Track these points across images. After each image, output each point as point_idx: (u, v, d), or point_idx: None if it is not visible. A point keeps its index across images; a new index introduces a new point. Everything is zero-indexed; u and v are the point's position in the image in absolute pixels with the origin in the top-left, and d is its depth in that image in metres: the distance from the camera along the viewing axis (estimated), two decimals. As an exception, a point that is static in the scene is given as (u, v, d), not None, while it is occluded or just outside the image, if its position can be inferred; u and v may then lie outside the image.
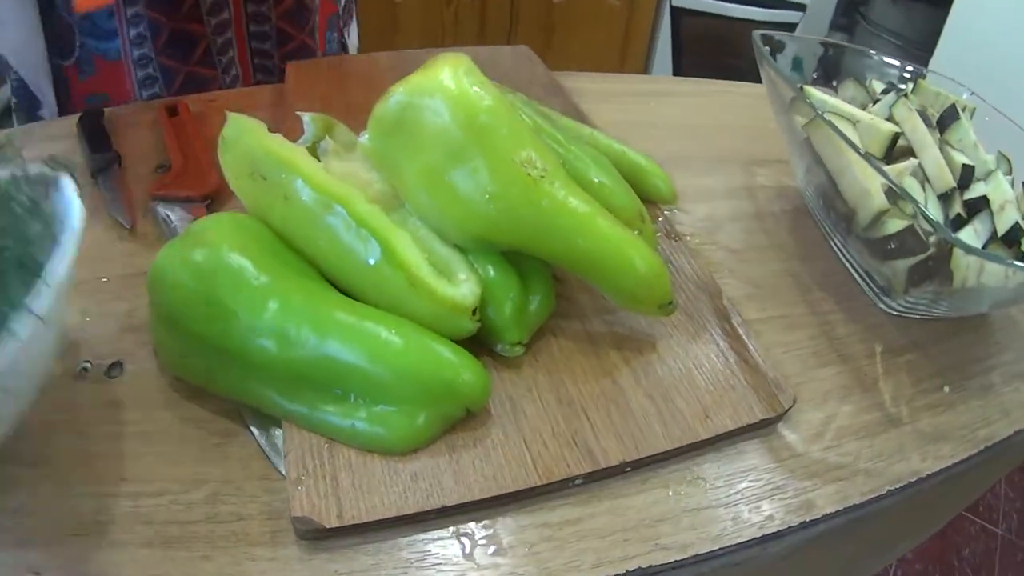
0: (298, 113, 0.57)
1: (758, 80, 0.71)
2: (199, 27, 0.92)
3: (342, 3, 1.07)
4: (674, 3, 2.67)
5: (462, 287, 0.48)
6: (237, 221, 0.52)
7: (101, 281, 0.60)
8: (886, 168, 0.60)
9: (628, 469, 0.46)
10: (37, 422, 0.50)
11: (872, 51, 0.77)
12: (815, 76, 0.76)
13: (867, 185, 0.56)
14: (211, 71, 0.95)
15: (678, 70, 2.80)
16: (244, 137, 0.53)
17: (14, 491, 0.46)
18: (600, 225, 0.49)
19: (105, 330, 0.56)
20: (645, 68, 2.84)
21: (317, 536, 0.43)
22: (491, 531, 0.44)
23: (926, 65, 2.03)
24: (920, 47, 2.21)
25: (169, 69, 0.93)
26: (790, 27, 2.63)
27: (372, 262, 0.48)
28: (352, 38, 1.14)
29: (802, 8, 2.60)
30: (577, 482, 0.45)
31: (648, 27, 2.73)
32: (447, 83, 0.48)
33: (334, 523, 0.42)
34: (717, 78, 0.97)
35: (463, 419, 0.48)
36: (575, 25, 2.70)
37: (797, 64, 0.75)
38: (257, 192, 0.53)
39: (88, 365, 0.54)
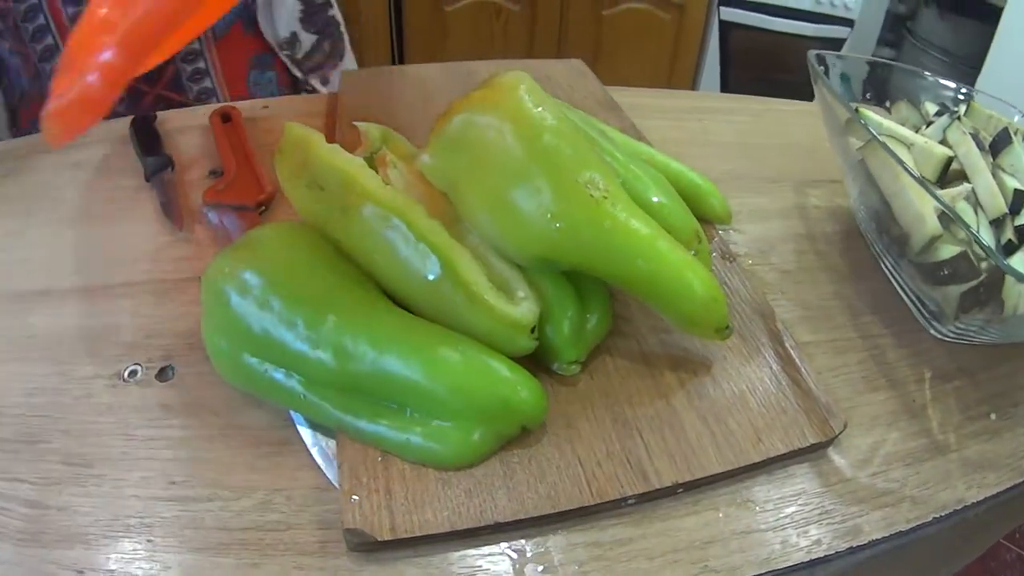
0: (355, 123, 0.58)
1: (806, 95, 0.71)
2: None
3: (304, 47, 1.06)
4: (723, 17, 2.66)
5: (521, 305, 0.48)
6: (294, 230, 0.53)
7: (153, 284, 0.61)
8: (940, 192, 0.60)
9: (680, 491, 0.46)
10: (85, 422, 0.51)
11: (926, 72, 0.77)
12: (867, 96, 0.76)
13: (921, 209, 0.56)
14: None
15: (726, 83, 2.78)
16: (302, 147, 0.53)
17: (60, 490, 0.47)
18: (660, 247, 0.48)
19: (156, 333, 0.57)
20: (693, 81, 2.83)
21: (369, 548, 0.43)
22: (542, 549, 0.44)
23: (974, 82, 2.02)
24: (968, 63, 2.17)
25: None
26: (838, 43, 2.61)
27: (431, 278, 0.48)
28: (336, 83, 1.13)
29: (850, 24, 2.58)
30: (630, 502, 0.45)
31: (697, 40, 2.72)
32: (510, 102, 0.48)
33: (386, 536, 0.42)
34: (765, 92, 0.97)
35: (519, 436, 0.48)
36: (624, 37, 2.69)
37: (846, 81, 0.75)
38: (315, 203, 0.53)
39: (138, 368, 0.55)
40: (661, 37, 2.70)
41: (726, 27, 2.68)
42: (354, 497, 0.44)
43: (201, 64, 0.96)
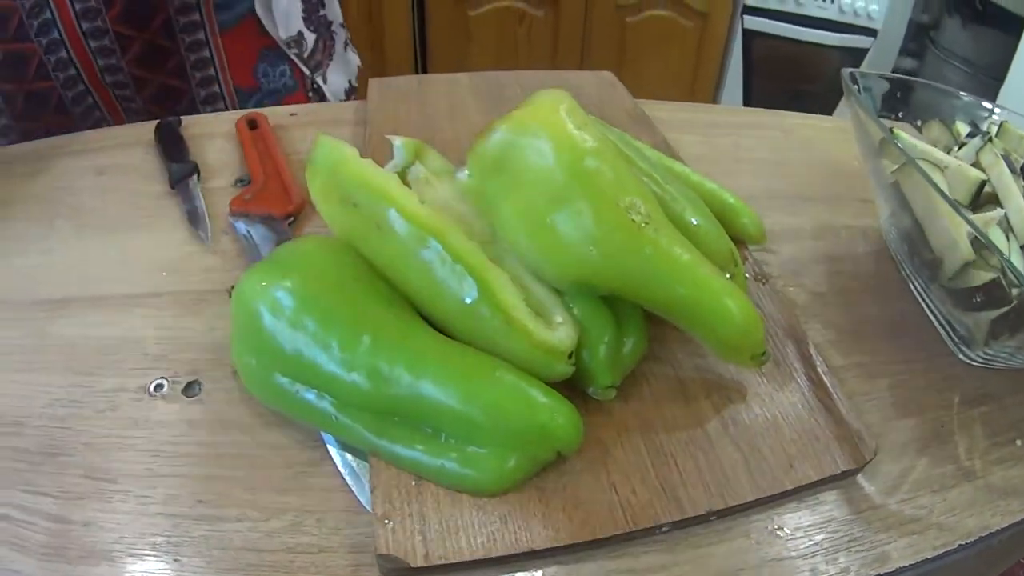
0: (388, 137, 0.57)
1: (829, 104, 0.70)
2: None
3: (308, 46, 1.07)
4: (746, 26, 2.66)
5: (559, 331, 0.48)
6: (327, 246, 0.52)
7: (179, 295, 0.60)
8: (973, 217, 0.59)
9: (714, 518, 0.46)
10: (109, 436, 0.51)
11: (961, 92, 0.76)
12: (898, 115, 0.76)
13: (955, 234, 0.55)
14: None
15: (748, 92, 2.78)
16: (335, 162, 0.52)
17: (84, 505, 0.47)
18: (701, 274, 0.48)
19: (182, 346, 0.57)
20: (716, 89, 2.84)
21: (402, 574, 0.42)
22: (565, 569, 0.44)
23: (997, 92, 2.01)
24: (990, 74, 2.18)
25: None
26: (861, 52, 2.61)
27: (468, 301, 0.48)
28: (334, 84, 1.14)
29: (873, 34, 2.58)
30: (664, 529, 0.45)
31: (720, 49, 2.72)
32: (552, 123, 0.47)
33: (420, 563, 0.42)
34: (788, 101, 0.97)
35: (554, 462, 0.47)
36: (647, 45, 2.70)
37: (875, 97, 0.75)
38: (348, 219, 0.52)
39: (164, 382, 0.55)
40: (684, 45, 2.71)
41: (749, 36, 2.69)
42: (387, 522, 0.44)
43: (206, 53, 0.97)
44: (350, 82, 1.18)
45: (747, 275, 0.62)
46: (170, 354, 0.56)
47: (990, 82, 2.14)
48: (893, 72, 2.51)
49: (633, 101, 0.87)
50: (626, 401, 0.52)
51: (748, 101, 2.82)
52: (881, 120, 0.69)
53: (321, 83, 1.10)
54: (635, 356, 0.52)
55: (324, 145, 0.53)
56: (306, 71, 1.07)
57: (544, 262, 0.48)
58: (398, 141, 0.57)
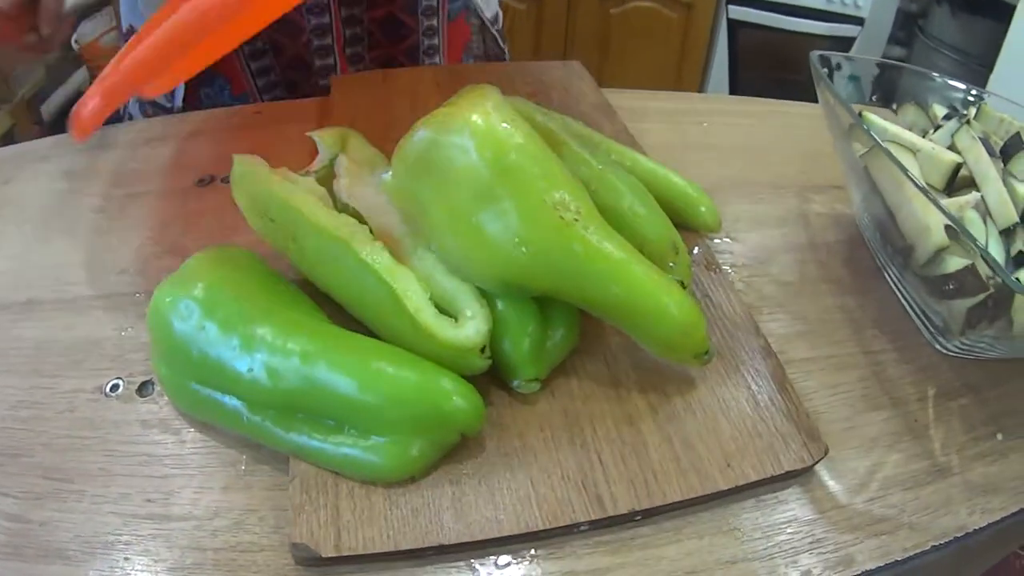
0: (308, 134, 0.58)
1: (815, 94, 0.68)
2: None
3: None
4: (731, 16, 2.67)
5: (467, 327, 0.48)
6: (227, 256, 0.53)
7: (136, 296, 0.60)
8: (947, 200, 0.58)
9: (639, 518, 0.45)
10: (67, 437, 0.51)
11: (935, 73, 0.75)
12: (874, 98, 0.74)
13: (926, 220, 0.54)
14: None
15: (735, 83, 2.80)
16: (250, 179, 0.54)
17: (41, 505, 0.47)
18: (635, 271, 0.47)
19: (139, 347, 0.56)
20: (702, 80, 2.86)
21: (315, 564, 0.43)
22: (503, 571, 0.43)
23: (986, 80, 2.01)
24: (979, 62, 2.19)
25: None
26: (848, 41, 2.62)
27: (382, 302, 0.49)
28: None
29: (860, 22, 2.60)
30: (582, 528, 0.44)
31: (705, 39, 2.75)
32: (475, 119, 0.47)
33: (331, 552, 0.42)
34: (774, 91, 0.95)
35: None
36: (632, 36, 2.72)
37: (854, 82, 0.74)
38: (269, 232, 0.54)
39: (120, 382, 0.55)
40: (669, 36, 2.72)
41: (734, 26, 2.70)
42: (302, 512, 0.44)
43: (435, 41, 0.99)
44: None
45: (697, 264, 0.61)
46: (126, 355, 0.56)
47: (979, 70, 2.15)
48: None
49: (598, 91, 0.85)
50: (553, 395, 0.51)
51: (734, 92, 2.84)
52: (856, 104, 0.67)
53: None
54: (563, 349, 0.52)
55: (240, 163, 0.55)
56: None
57: (471, 263, 0.49)
58: (317, 136, 0.58)
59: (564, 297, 0.49)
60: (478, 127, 0.46)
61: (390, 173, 0.50)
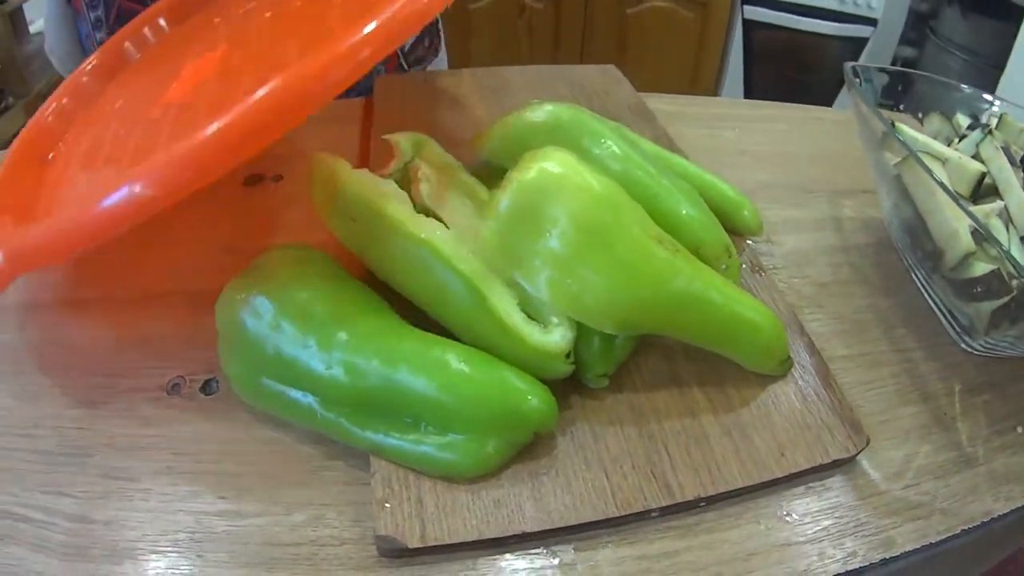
0: (385, 137, 0.59)
1: (829, 92, 0.71)
2: None
3: (408, 43, 1.09)
4: (747, 16, 2.67)
5: (554, 333, 0.49)
6: (302, 254, 0.54)
7: (195, 295, 0.61)
8: (973, 208, 0.60)
9: (703, 504, 0.47)
10: (128, 436, 0.52)
11: (962, 85, 0.77)
12: (900, 107, 0.76)
13: (956, 226, 0.56)
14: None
15: (749, 81, 2.79)
16: (331, 179, 0.54)
17: (105, 504, 0.48)
18: (729, 294, 0.50)
19: (199, 345, 0.56)
20: (717, 79, 2.84)
21: (399, 555, 0.44)
22: (592, 561, 0.45)
23: (997, 80, 2.02)
24: (991, 62, 2.18)
25: None
26: (861, 42, 2.62)
27: (465, 306, 0.50)
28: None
29: (873, 23, 2.59)
30: (653, 515, 0.46)
31: (721, 39, 2.74)
32: (566, 178, 0.47)
33: (416, 543, 0.43)
34: (789, 90, 0.97)
35: (545, 448, 0.49)
36: (648, 35, 2.71)
37: (883, 90, 0.76)
38: (350, 232, 0.55)
39: (181, 381, 0.55)
40: (685, 35, 2.72)
41: (749, 26, 2.70)
42: (386, 505, 0.45)
43: None
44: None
45: (744, 266, 0.63)
46: (186, 353, 0.57)
47: (990, 70, 2.14)
48: (893, 61, 2.51)
49: (636, 95, 0.88)
50: (619, 390, 0.53)
51: (749, 91, 2.84)
52: (883, 112, 0.70)
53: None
54: (627, 347, 0.54)
55: (320, 162, 0.55)
56: (405, 66, 1.09)
57: (581, 308, 0.49)
58: (395, 139, 0.58)
59: (666, 330, 0.51)
60: (572, 184, 0.47)
61: (488, 231, 0.50)
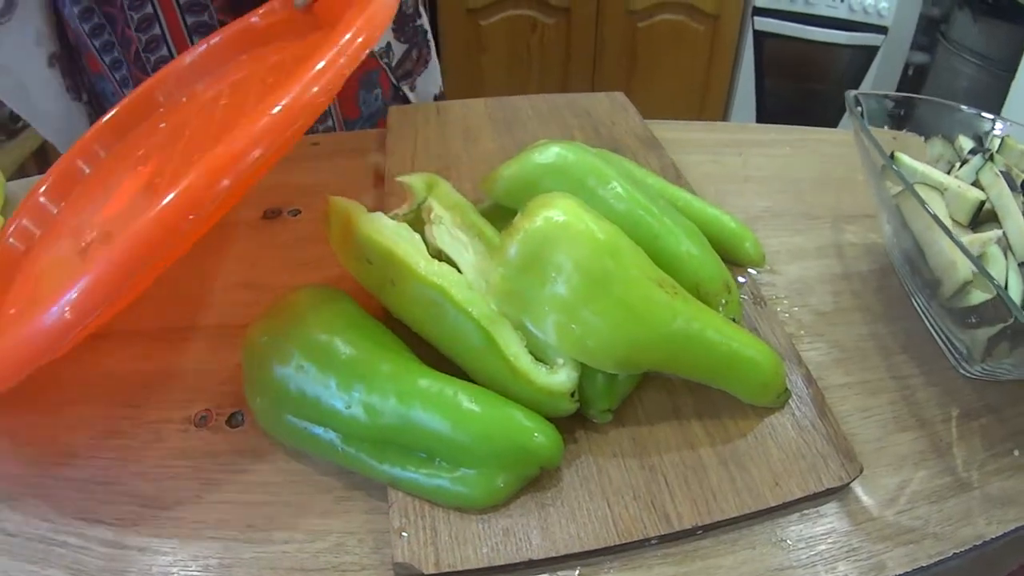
0: (398, 179, 0.61)
1: (840, 102, 0.71)
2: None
3: (396, 55, 1.09)
4: (757, 27, 2.67)
5: (560, 373, 0.51)
6: (323, 294, 0.56)
7: (221, 329, 0.63)
8: (972, 236, 0.62)
9: (700, 532, 0.49)
10: (158, 466, 0.54)
11: (962, 106, 0.78)
12: (905, 129, 0.77)
13: (953, 257, 0.58)
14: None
15: (761, 92, 2.79)
16: (346, 222, 0.56)
17: (138, 530, 0.50)
18: (727, 332, 0.52)
19: (225, 379, 0.59)
20: (728, 91, 2.84)
21: None
22: None
23: (1008, 84, 2.01)
24: (1002, 67, 2.18)
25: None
26: (872, 50, 2.61)
27: (476, 347, 0.52)
28: (423, 92, 1.15)
29: (883, 31, 2.58)
30: (653, 542, 0.48)
31: (731, 51, 2.73)
32: (570, 226, 0.50)
33: (431, 570, 0.46)
34: (800, 100, 0.97)
35: (552, 480, 0.51)
36: (659, 48, 2.71)
37: (887, 114, 0.77)
38: (366, 274, 0.57)
39: (208, 414, 0.57)
40: (696, 48, 2.72)
41: (760, 37, 2.69)
42: (403, 534, 0.48)
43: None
44: (440, 88, 1.21)
45: (745, 297, 0.64)
46: (212, 387, 0.59)
47: (1001, 74, 2.14)
48: (905, 67, 2.50)
49: (643, 123, 0.89)
50: (622, 423, 0.55)
51: (760, 103, 2.83)
52: (888, 132, 0.71)
53: (408, 92, 1.13)
54: (630, 383, 0.56)
55: (336, 205, 0.58)
56: (393, 80, 1.10)
57: (585, 349, 0.51)
58: (408, 181, 0.61)
59: (666, 369, 0.53)
60: (576, 232, 0.50)
61: (498, 277, 0.52)
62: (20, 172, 1.91)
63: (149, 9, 0.92)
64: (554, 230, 0.49)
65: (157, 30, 0.94)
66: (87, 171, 0.75)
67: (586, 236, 0.49)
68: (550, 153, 0.61)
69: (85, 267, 0.42)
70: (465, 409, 0.49)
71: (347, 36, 0.49)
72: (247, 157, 0.44)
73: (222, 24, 0.92)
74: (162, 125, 0.78)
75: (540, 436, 0.49)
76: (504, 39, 2.66)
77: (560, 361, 0.52)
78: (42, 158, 1.97)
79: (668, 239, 0.59)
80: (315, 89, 0.46)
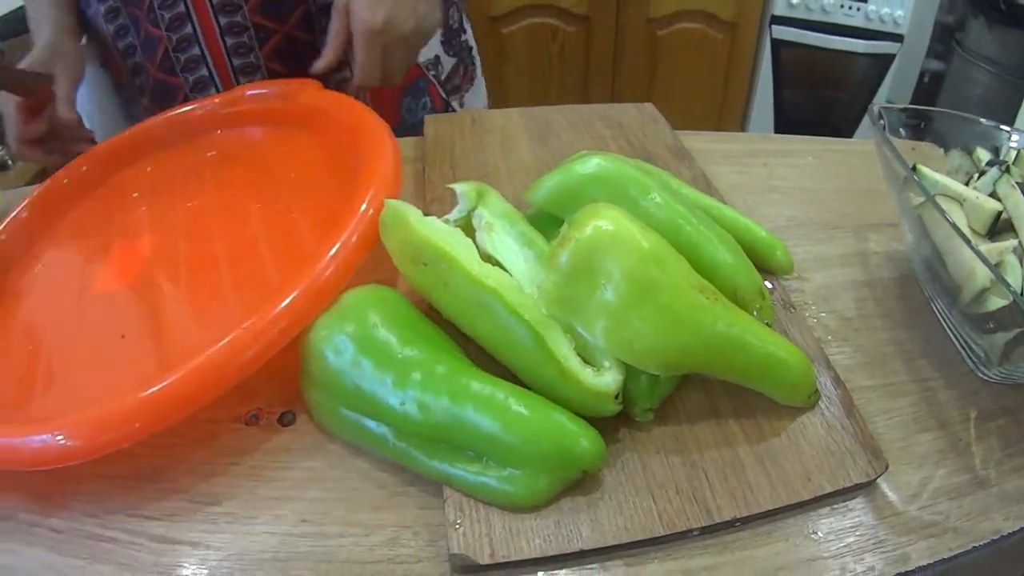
0: (450, 186, 0.62)
1: (857, 110, 0.72)
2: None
3: (446, 69, 1.10)
4: (775, 36, 2.68)
5: (606, 376, 0.53)
6: (381, 295, 0.58)
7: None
8: (989, 245, 0.63)
9: (739, 524, 0.51)
10: (210, 463, 0.56)
11: (981, 119, 0.79)
12: (925, 140, 0.78)
13: (972, 265, 0.59)
14: (175, 78, 1.00)
15: (779, 99, 2.81)
16: (402, 225, 0.58)
17: (190, 526, 0.52)
18: (763, 336, 0.54)
19: (277, 380, 0.59)
20: (747, 98, 2.86)
21: (472, 571, 0.48)
22: (632, 570, 0.49)
23: (1022, 93, 2.01)
24: (1017, 74, 2.21)
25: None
26: (888, 58, 2.63)
27: (527, 348, 0.54)
28: (471, 106, 1.16)
29: (899, 39, 2.60)
30: (695, 534, 0.50)
31: (749, 59, 2.76)
32: (618, 236, 0.52)
33: (487, 560, 0.48)
34: (817, 108, 0.97)
35: (600, 475, 0.53)
36: (678, 56, 2.73)
37: (908, 126, 0.78)
38: (420, 276, 0.58)
39: (259, 412, 0.59)
40: (714, 55, 2.74)
41: (777, 45, 2.72)
42: (458, 526, 0.49)
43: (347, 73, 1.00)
44: (486, 106, 1.22)
45: (776, 304, 0.66)
46: (265, 386, 0.60)
47: (1016, 82, 2.17)
48: (920, 75, 2.51)
49: (673, 134, 0.91)
50: (664, 423, 0.57)
51: (778, 110, 2.85)
52: (908, 143, 0.73)
53: (458, 107, 1.14)
54: (671, 384, 0.58)
55: (391, 208, 0.59)
56: (443, 94, 1.11)
57: (632, 351, 0.53)
58: (460, 188, 0.63)
59: (706, 370, 0.55)
60: (624, 241, 0.51)
61: (548, 284, 0.53)
62: (41, 176, 1.91)
63: (181, 8, 0.94)
64: (603, 239, 0.51)
65: (189, 29, 0.96)
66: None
67: (633, 245, 0.51)
68: (592, 164, 0.63)
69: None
70: (514, 412, 0.51)
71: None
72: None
73: (255, 26, 0.95)
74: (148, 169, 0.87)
75: (584, 441, 0.51)
76: (525, 47, 2.68)
77: (606, 364, 0.54)
78: (64, 164, 1.97)
79: (706, 247, 0.61)
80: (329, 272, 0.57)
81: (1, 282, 0.75)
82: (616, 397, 0.53)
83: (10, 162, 1.90)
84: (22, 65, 0.89)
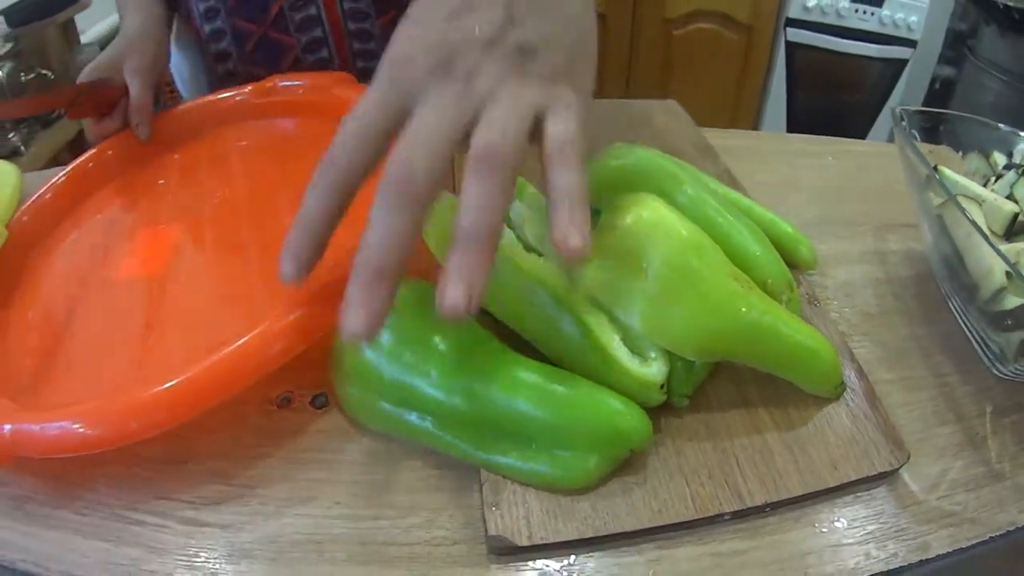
0: None
1: (870, 114, 0.73)
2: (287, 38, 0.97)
3: None
4: (789, 38, 2.69)
5: (652, 365, 0.54)
6: (418, 288, 0.56)
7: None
8: (1006, 246, 0.65)
9: (768, 509, 0.53)
10: (240, 446, 0.56)
11: (1000, 124, 0.80)
12: (943, 143, 0.79)
13: (990, 264, 0.61)
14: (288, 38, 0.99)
15: (792, 101, 2.82)
16: (445, 215, 0.55)
17: (220, 508, 0.52)
18: (794, 325, 0.55)
19: (308, 364, 0.58)
20: (760, 100, 2.87)
21: (509, 552, 0.49)
22: (672, 557, 0.50)
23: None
24: (1028, 81, 2.19)
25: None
26: (901, 63, 2.64)
27: (574, 339, 0.54)
28: None
29: (913, 44, 2.61)
30: (726, 518, 0.52)
31: (764, 60, 2.76)
32: (660, 224, 0.53)
33: (525, 542, 0.48)
34: (830, 111, 0.98)
35: (635, 461, 0.53)
36: (694, 56, 2.74)
37: (926, 129, 0.79)
38: None
39: (291, 395, 0.59)
40: (729, 57, 2.75)
41: (792, 48, 2.72)
42: (495, 508, 0.50)
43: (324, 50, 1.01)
44: None
45: (802, 298, 0.67)
46: (296, 369, 0.57)
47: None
48: (932, 81, 2.52)
49: (698, 131, 0.92)
50: (697, 411, 0.58)
51: (791, 111, 2.86)
52: (926, 146, 0.74)
53: None
54: (705, 370, 0.58)
55: (441, 199, 0.58)
56: None
57: (669, 336, 0.54)
58: None
59: (739, 357, 0.56)
60: (665, 229, 0.53)
61: (591, 270, 0.54)
62: (54, 161, 1.91)
63: (313, 11, 0.95)
64: (645, 227, 0.52)
65: (319, 32, 0.96)
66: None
67: (673, 234, 0.52)
68: (633, 156, 0.64)
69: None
70: (561, 394, 0.51)
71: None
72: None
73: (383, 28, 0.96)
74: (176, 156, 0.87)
75: (632, 419, 0.51)
76: (540, 44, 2.68)
77: (652, 355, 0.54)
78: (77, 148, 1.95)
79: (739, 239, 0.62)
80: None
81: (22, 264, 0.75)
82: (661, 387, 0.54)
83: (22, 147, 1.90)
84: (87, 73, 0.88)
